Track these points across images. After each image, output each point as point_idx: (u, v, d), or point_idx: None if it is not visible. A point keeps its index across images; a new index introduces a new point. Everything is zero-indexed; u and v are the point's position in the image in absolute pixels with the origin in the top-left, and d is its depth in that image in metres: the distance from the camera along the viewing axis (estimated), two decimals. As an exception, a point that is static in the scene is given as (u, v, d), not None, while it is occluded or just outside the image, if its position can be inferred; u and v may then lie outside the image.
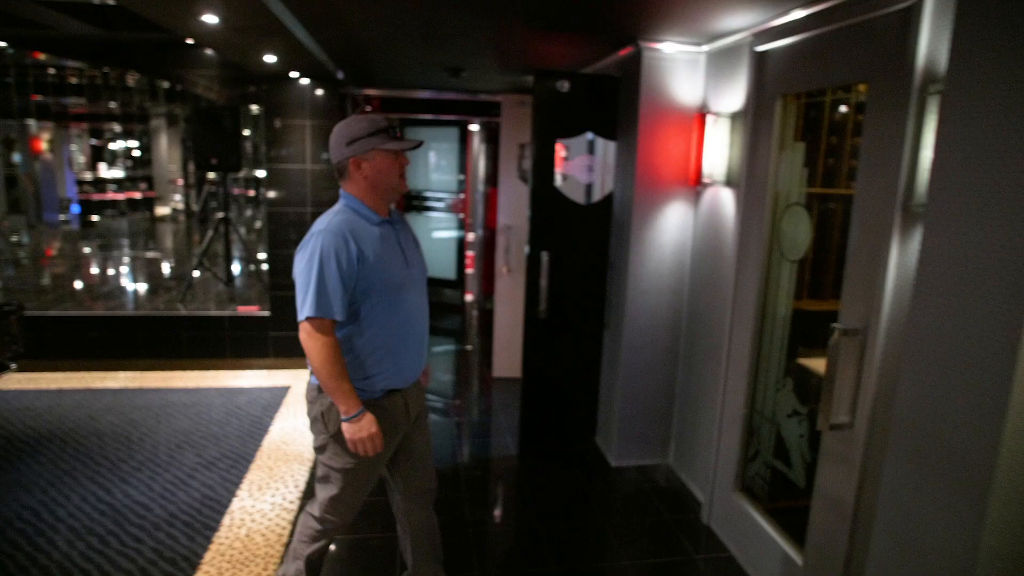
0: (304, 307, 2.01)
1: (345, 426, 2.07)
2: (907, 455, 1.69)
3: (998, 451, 1.44)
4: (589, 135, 3.74)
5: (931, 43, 2.00)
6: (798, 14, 2.57)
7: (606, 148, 3.77)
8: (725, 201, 3.20)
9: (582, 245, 3.85)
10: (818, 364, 2.77)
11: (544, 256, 3.76)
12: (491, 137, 7.15)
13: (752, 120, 2.94)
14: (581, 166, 3.76)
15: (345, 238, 2.03)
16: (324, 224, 2.06)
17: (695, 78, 3.42)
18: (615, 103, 3.71)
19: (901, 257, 2.12)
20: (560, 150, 3.70)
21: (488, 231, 7.21)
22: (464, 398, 5.17)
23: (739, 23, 2.90)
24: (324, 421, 2.16)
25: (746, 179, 2.96)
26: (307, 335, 2.02)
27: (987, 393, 1.47)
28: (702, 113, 3.31)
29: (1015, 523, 1.48)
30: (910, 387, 1.67)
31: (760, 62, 2.90)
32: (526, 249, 3.86)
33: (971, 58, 1.52)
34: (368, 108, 6.14)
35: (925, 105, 1.96)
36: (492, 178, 7.14)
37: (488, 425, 4.57)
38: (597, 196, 3.82)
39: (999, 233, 1.47)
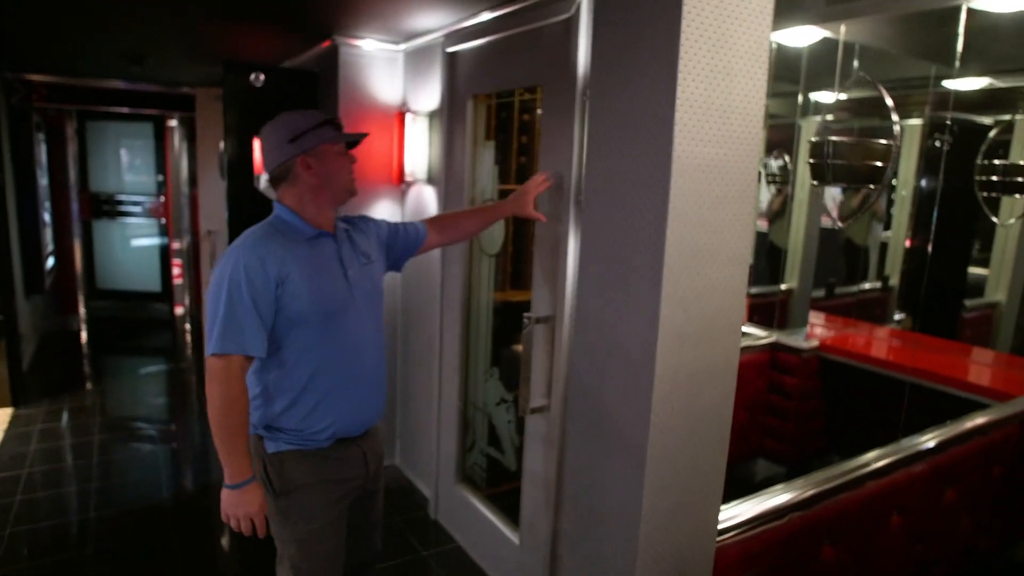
0: (210, 341, 1.67)
1: (224, 493, 1.70)
2: (582, 431, 1.83)
3: (650, 420, 1.61)
4: (290, 132, 3.53)
5: (588, 51, 2.19)
6: (483, 18, 2.67)
7: (310, 146, 3.59)
8: (428, 199, 3.23)
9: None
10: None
11: (248, 262, 3.47)
12: (193, 134, 6.49)
13: (447, 119, 3.01)
14: (283, 165, 3.54)
15: (260, 256, 1.69)
16: (239, 240, 1.74)
17: (394, 76, 3.40)
18: (314, 99, 3.55)
19: (576, 246, 2.30)
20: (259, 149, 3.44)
21: (197, 236, 6.55)
22: (181, 423, 4.62)
23: (431, 23, 2.94)
24: (268, 477, 1.80)
25: (445, 177, 3.02)
26: (209, 376, 1.66)
27: (637, 366, 1.63)
28: (402, 112, 3.31)
29: (665, 482, 1.68)
30: (579, 367, 1.81)
31: (452, 63, 2.97)
32: (228, 256, 3.54)
33: (601, 65, 1.69)
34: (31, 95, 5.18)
35: (585, 108, 2.14)
36: (196, 178, 6.49)
37: (211, 451, 4.13)
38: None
39: (632, 220, 1.64)
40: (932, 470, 2.39)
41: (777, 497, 2.02)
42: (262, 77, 3.38)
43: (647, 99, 1.56)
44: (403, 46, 3.35)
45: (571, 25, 2.23)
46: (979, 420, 2.70)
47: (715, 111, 1.57)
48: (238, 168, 3.45)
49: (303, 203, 1.84)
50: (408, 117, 3.20)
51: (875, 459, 2.29)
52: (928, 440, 2.48)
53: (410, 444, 3.69)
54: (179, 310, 7.06)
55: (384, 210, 3.50)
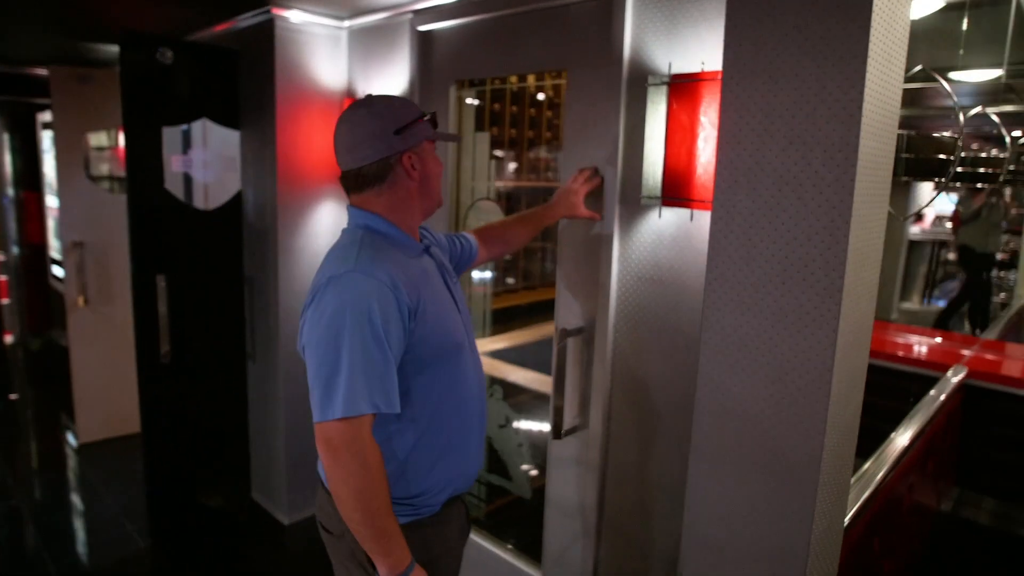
0: (330, 402, 1.29)
1: None
2: (712, 459, 1.61)
3: (824, 443, 1.43)
4: (206, 122, 2.93)
5: (633, 33, 1.96)
6: None
7: (227, 139, 3.01)
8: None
9: (208, 260, 3.03)
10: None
11: (161, 281, 2.84)
12: (20, 123, 5.35)
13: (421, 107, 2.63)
14: (199, 161, 2.94)
15: (392, 280, 1.33)
16: (349, 263, 1.34)
17: (338, 57, 2.94)
18: (234, 82, 2.98)
19: (623, 250, 2.07)
20: (170, 141, 2.82)
21: (29, 249, 5.44)
22: (25, 476, 3.74)
23: (395, -3, 2.54)
24: (367, 570, 1.41)
25: None
26: (336, 447, 1.29)
27: (807, 385, 1.44)
28: (352, 98, 2.86)
29: (826, 506, 1.51)
30: (712, 388, 1.58)
31: (425, 43, 2.59)
32: (131, 272, 2.88)
33: (742, 52, 1.46)
34: None
35: (646, 97, 1.90)
36: (28, 179, 5.38)
37: (89, 511, 3.37)
38: (222, 198, 3.04)
39: (799, 222, 1.45)
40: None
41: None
42: (170, 54, 2.76)
43: (820, 89, 1.36)
44: (348, 23, 2.89)
45: (614, 4, 1.98)
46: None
47: (884, 101, 1.42)
48: (141, 165, 2.80)
49: (397, 211, 1.49)
50: (367, 105, 2.75)
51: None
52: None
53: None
54: (8, 338, 5.82)
55: (329, 212, 3.03)
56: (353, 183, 1.47)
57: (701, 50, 1.82)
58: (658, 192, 1.87)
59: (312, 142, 2.92)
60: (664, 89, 1.83)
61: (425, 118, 1.48)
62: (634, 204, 2.01)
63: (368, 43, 2.83)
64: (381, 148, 1.42)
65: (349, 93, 2.94)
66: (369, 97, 1.47)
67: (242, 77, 2.96)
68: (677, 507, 2.02)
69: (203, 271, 3.01)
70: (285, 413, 3.03)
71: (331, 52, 2.91)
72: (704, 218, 1.84)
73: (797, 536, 1.49)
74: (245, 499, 3.36)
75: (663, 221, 1.95)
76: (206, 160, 2.95)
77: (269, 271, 2.97)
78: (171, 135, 2.81)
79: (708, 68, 1.77)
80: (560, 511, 2.37)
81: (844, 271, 1.39)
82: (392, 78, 2.74)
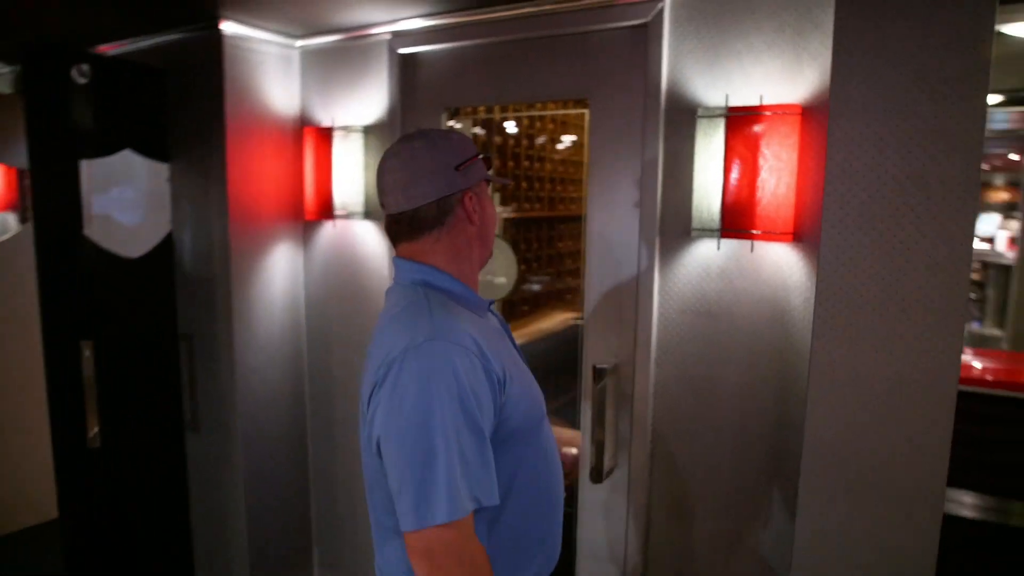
0: (428, 505, 1.06)
1: None
2: (824, 493, 1.59)
3: (944, 474, 1.46)
4: (129, 153, 2.47)
5: (670, 61, 1.93)
6: (459, 18, 2.19)
7: (154, 172, 2.57)
8: (367, 238, 2.56)
9: (135, 318, 2.56)
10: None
11: (86, 350, 2.33)
12: None
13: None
14: (125, 201, 2.47)
15: (479, 349, 1.14)
16: (423, 328, 1.13)
17: (290, 80, 2.62)
18: (163, 105, 2.56)
19: (663, 284, 2.02)
20: (88, 178, 2.34)
21: None
22: None
23: (374, 17, 2.32)
24: None
25: None
26: (439, 557, 1.07)
27: (929, 415, 1.46)
28: (311, 127, 2.57)
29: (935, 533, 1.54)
30: (824, 426, 1.56)
31: (408, 66, 2.39)
32: (43, 339, 2.35)
33: (851, 84, 1.47)
34: None
35: (695, 127, 1.87)
36: None
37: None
38: (148, 244, 2.58)
39: (899, 255, 1.47)
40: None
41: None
42: (87, 70, 2.30)
43: (938, 125, 1.40)
44: (301, 43, 2.59)
45: (649, 32, 1.94)
46: None
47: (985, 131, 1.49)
48: (53, 207, 2.31)
49: (457, 261, 1.30)
50: (338, 134, 2.48)
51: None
52: None
53: (335, 535, 2.90)
54: None
55: (282, 261, 2.68)
56: (407, 229, 1.27)
57: (748, 83, 1.83)
58: (716, 224, 1.84)
59: (265, 176, 2.57)
60: (721, 122, 1.81)
61: (480, 156, 1.33)
62: (676, 236, 1.97)
63: (330, 65, 2.56)
64: (442, 186, 1.24)
65: (303, 121, 2.64)
66: (421, 130, 1.30)
67: (171, 100, 2.54)
68: (727, 544, 1.99)
69: (131, 331, 2.53)
70: (247, 491, 2.61)
71: (283, 74, 2.59)
72: (764, 248, 1.85)
73: (920, 566, 1.51)
74: (185, 594, 2.85)
75: (713, 253, 1.93)
76: (130, 198, 2.49)
77: (218, 326, 2.56)
78: (92, 169, 2.33)
79: (767, 101, 1.77)
80: (595, 559, 2.25)
81: (965, 301, 1.44)
82: (366, 104, 2.49)
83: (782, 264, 1.84)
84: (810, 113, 1.70)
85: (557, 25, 2.09)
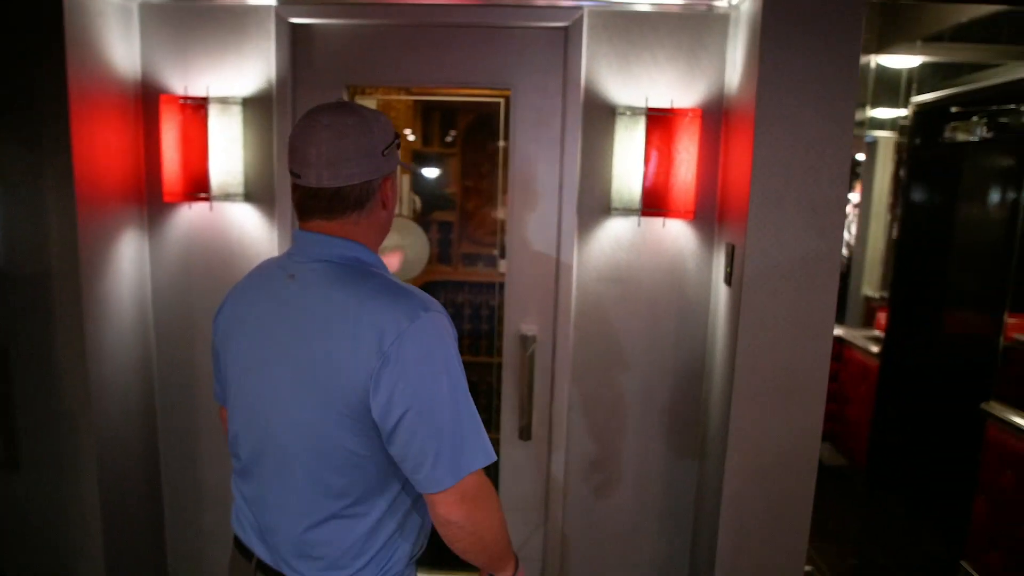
0: (466, 459, 1.17)
1: None
2: (741, 470, 2.04)
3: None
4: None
5: (587, 63, 2.21)
6: None
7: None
8: (250, 223, 2.31)
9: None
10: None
11: None
12: None
13: (292, 111, 2.26)
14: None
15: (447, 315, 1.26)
16: (414, 301, 1.19)
17: (130, 40, 2.19)
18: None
19: (581, 256, 2.31)
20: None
21: None
22: None
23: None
24: None
25: (281, 191, 2.27)
26: (475, 497, 1.20)
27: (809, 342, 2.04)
28: (181, 97, 2.19)
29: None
30: (747, 342, 2.01)
31: (302, 38, 2.22)
32: None
33: (773, 90, 1.92)
34: None
35: (615, 123, 2.19)
36: None
37: None
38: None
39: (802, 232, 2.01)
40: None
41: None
42: None
43: (824, 121, 1.92)
44: (150, -6, 2.19)
45: (570, 35, 2.20)
46: None
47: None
48: None
49: (373, 245, 1.31)
50: (214, 106, 2.16)
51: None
52: None
53: (193, 558, 2.56)
54: None
55: (128, 248, 2.25)
56: (325, 205, 1.22)
57: (655, 88, 2.20)
58: (636, 205, 2.20)
59: (113, 152, 2.13)
60: (642, 120, 2.16)
61: (397, 140, 1.30)
62: (594, 214, 2.28)
63: (188, 27, 2.21)
64: (370, 169, 1.22)
65: (151, 88, 2.24)
66: (349, 104, 1.24)
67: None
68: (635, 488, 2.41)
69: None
70: (106, 529, 2.17)
71: (122, 34, 2.16)
72: (670, 224, 2.26)
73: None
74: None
75: (625, 228, 2.28)
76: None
77: (55, 332, 2.07)
78: None
79: (676, 105, 2.18)
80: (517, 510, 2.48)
81: (838, 264, 2.04)
82: (243, 73, 2.23)
83: (680, 237, 2.28)
84: (707, 115, 2.16)
85: (479, 16, 2.20)
